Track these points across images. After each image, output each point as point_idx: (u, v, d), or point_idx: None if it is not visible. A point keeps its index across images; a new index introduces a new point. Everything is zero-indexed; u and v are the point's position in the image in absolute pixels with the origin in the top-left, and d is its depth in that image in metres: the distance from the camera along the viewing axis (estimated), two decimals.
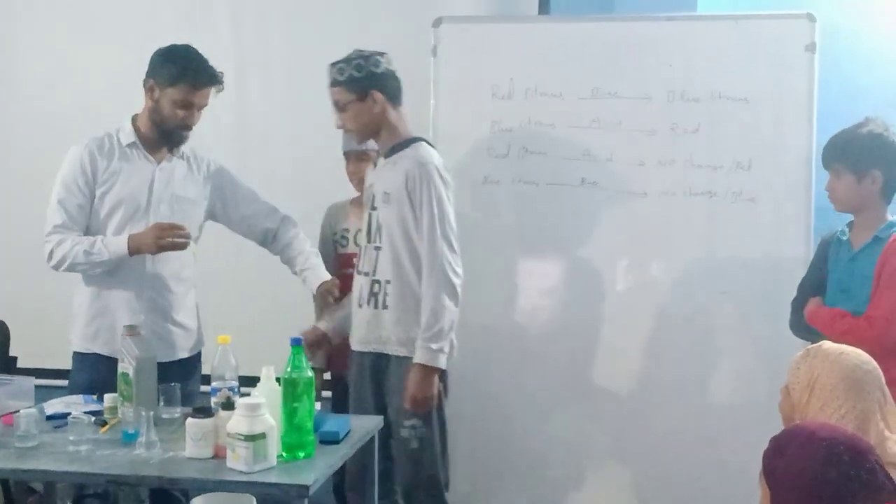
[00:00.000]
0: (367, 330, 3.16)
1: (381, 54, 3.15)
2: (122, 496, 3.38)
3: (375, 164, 3.37)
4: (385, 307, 3.11)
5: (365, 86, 3.10)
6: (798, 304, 3.15)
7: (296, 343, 2.53)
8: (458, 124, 3.71)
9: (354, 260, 3.27)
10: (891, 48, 3.81)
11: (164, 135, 3.23)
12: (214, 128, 3.63)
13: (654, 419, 3.64)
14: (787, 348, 3.00)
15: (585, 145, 3.64)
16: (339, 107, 3.13)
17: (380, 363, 3.16)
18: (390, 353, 3.13)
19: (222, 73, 3.21)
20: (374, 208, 3.16)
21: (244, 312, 3.84)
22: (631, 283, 3.70)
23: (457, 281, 3.07)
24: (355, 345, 3.22)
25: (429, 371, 3.03)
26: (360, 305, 3.17)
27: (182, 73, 3.14)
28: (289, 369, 2.50)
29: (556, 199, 3.61)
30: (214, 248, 3.44)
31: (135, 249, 3.11)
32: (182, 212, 3.25)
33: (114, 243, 3.13)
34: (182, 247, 3.13)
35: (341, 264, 3.50)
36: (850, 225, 3.09)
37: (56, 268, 3.18)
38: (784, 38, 3.54)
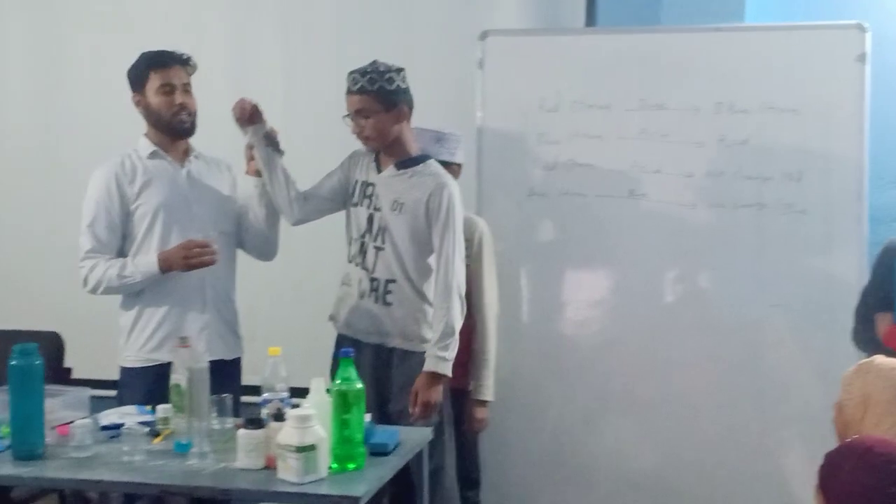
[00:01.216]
0: (369, 322, 3.28)
1: (403, 69, 3.28)
2: None
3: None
4: (387, 304, 3.25)
5: (394, 99, 3.21)
6: (862, 315, 3.10)
7: (345, 355, 2.55)
8: (504, 137, 3.72)
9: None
10: None
11: (168, 130, 3.29)
12: None
13: (704, 433, 3.61)
14: (839, 361, 2.95)
15: (633, 157, 3.63)
16: (363, 114, 3.23)
17: (381, 354, 3.28)
18: (394, 346, 3.26)
19: (187, 54, 3.31)
20: (377, 209, 3.28)
21: (295, 324, 3.86)
22: (680, 296, 3.67)
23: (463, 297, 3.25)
24: (353, 333, 3.30)
25: (438, 378, 3.17)
26: (362, 297, 3.28)
27: (145, 63, 3.27)
28: (338, 381, 2.52)
29: (604, 212, 3.61)
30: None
31: (166, 267, 3.16)
32: (219, 207, 3.32)
33: (144, 264, 3.19)
34: (211, 263, 3.18)
35: None
36: None
37: (93, 292, 3.25)
38: (834, 48, 3.51)
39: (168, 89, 3.25)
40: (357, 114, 3.24)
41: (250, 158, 3.30)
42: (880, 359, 2.23)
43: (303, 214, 3.36)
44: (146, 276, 3.18)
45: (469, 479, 3.46)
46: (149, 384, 3.19)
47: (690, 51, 3.65)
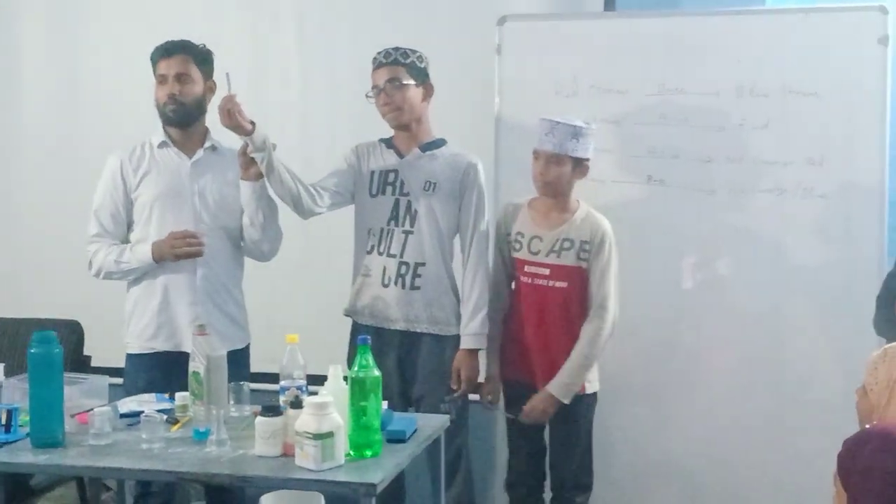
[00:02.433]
0: (395, 308, 3.32)
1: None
2: (181, 494, 3.44)
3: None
4: (415, 288, 3.31)
5: (424, 76, 3.34)
6: (884, 301, 3.07)
7: (363, 342, 2.55)
8: (522, 122, 3.69)
9: (527, 267, 3.30)
10: None
11: (164, 120, 3.33)
12: (281, 127, 3.67)
13: (723, 421, 3.59)
14: (861, 346, 2.94)
15: (652, 142, 3.61)
16: (394, 84, 3.28)
17: (407, 340, 3.34)
18: (422, 331, 3.33)
19: (192, 42, 3.32)
20: (403, 194, 3.32)
21: (312, 311, 3.86)
22: (699, 282, 3.65)
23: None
24: (377, 322, 3.34)
25: (476, 353, 3.33)
26: (386, 285, 3.32)
27: (152, 56, 3.33)
28: (356, 368, 2.52)
29: (623, 197, 3.58)
30: (282, 246, 3.46)
31: (158, 256, 3.24)
32: (221, 200, 3.33)
33: (139, 251, 3.27)
34: (197, 254, 3.23)
35: (513, 267, 3.38)
36: None
37: (96, 276, 3.36)
38: (855, 30, 3.47)
39: (161, 79, 3.31)
40: (387, 84, 3.29)
41: (246, 166, 3.21)
42: None
43: (315, 208, 3.35)
44: (141, 263, 3.26)
45: (580, 483, 3.34)
46: (149, 371, 3.28)
47: (710, 35, 3.61)
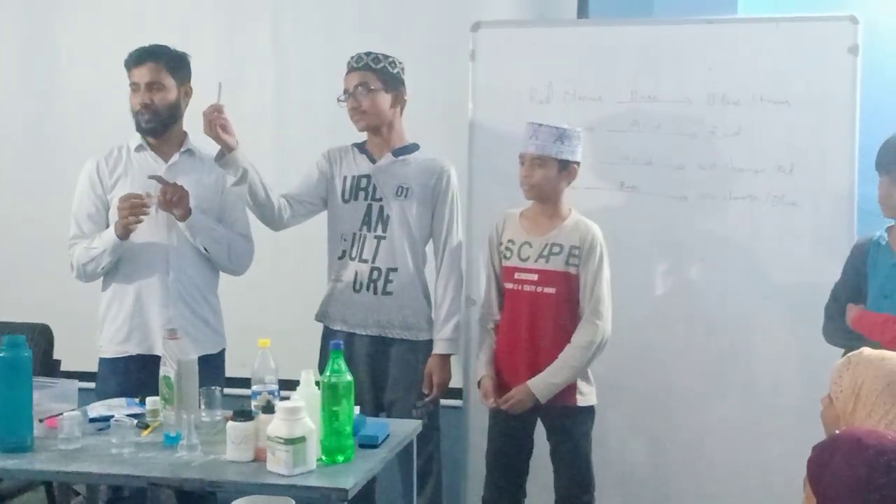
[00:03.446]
0: (366, 314, 3.34)
1: (402, 64, 3.39)
2: (152, 499, 3.41)
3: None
4: (387, 293, 3.32)
5: (395, 82, 3.36)
6: (833, 311, 3.12)
7: (336, 347, 2.54)
8: (496, 128, 3.71)
9: (515, 274, 3.25)
10: None
11: (138, 128, 3.32)
12: (255, 131, 3.67)
13: (694, 425, 3.62)
14: (830, 352, 2.96)
15: (625, 149, 3.63)
16: (364, 89, 3.30)
17: (379, 346, 3.36)
18: (393, 336, 3.35)
19: (164, 47, 3.31)
20: (376, 199, 3.34)
21: (284, 316, 3.85)
22: (670, 288, 3.67)
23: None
24: (349, 327, 3.36)
25: (448, 359, 3.36)
26: (358, 290, 3.34)
27: (125, 63, 3.32)
28: (328, 373, 2.51)
29: (595, 204, 3.60)
30: (255, 249, 3.45)
31: (120, 233, 3.19)
32: (196, 205, 3.30)
33: (105, 233, 3.24)
34: (142, 212, 3.16)
35: (503, 276, 3.32)
36: (889, 230, 3.06)
37: (79, 277, 3.33)
38: (826, 40, 3.50)
39: (134, 87, 3.31)
40: (356, 88, 3.31)
41: (173, 207, 3.21)
42: (868, 350, 2.23)
43: (289, 221, 3.38)
44: (107, 244, 3.22)
45: (579, 500, 3.24)
46: (121, 375, 3.27)
47: (682, 43, 3.64)
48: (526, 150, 3.23)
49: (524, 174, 3.24)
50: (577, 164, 3.24)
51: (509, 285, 3.27)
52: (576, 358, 3.16)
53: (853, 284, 3.09)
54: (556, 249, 3.21)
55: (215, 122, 3.04)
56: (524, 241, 3.26)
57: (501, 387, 3.26)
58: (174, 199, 3.19)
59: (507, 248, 3.29)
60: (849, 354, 2.25)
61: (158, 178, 3.21)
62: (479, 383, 3.30)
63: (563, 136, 3.18)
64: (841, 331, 3.06)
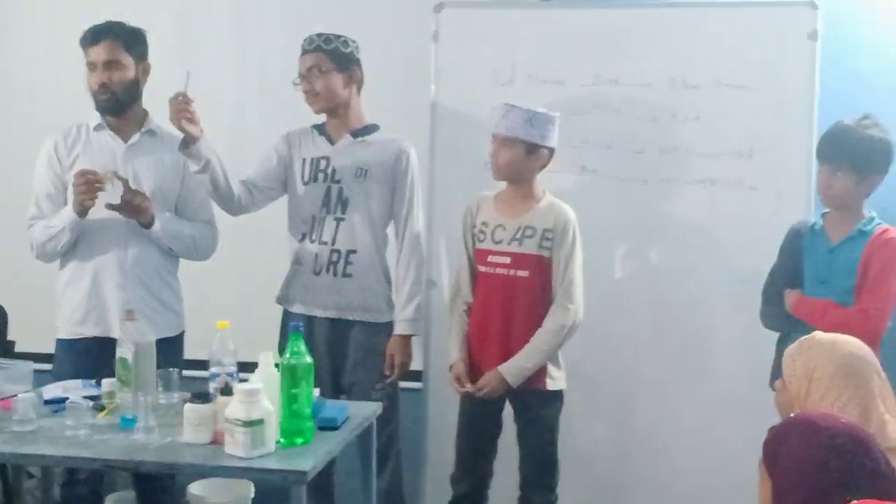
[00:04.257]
0: (326, 296, 3.33)
1: (356, 42, 3.38)
2: (109, 482, 3.39)
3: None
4: (347, 275, 3.32)
5: (347, 61, 3.34)
6: (770, 295, 3.17)
7: (295, 329, 2.53)
8: (458, 110, 3.70)
9: (489, 257, 3.23)
10: (892, 36, 3.79)
11: (97, 108, 3.27)
12: (214, 114, 3.62)
13: (653, 408, 3.65)
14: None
15: (586, 132, 3.63)
16: (317, 71, 3.30)
17: (338, 328, 3.35)
18: (353, 318, 3.34)
19: (120, 24, 3.25)
20: (335, 181, 3.32)
21: (244, 298, 3.82)
22: (630, 271, 3.70)
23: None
24: (309, 310, 3.35)
25: (409, 340, 3.37)
26: (318, 273, 3.33)
27: (81, 41, 3.25)
28: (287, 355, 2.50)
29: (556, 187, 3.59)
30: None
31: (78, 209, 3.14)
32: (156, 186, 3.28)
33: (64, 211, 3.20)
34: (97, 189, 3.11)
35: (476, 258, 3.31)
36: (824, 216, 3.12)
37: (39, 257, 3.29)
38: (786, 25, 3.53)
39: (91, 67, 3.25)
40: (309, 71, 3.30)
41: (137, 211, 3.18)
42: (819, 334, 2.26)
43: (249, 207, 3.37)
44: (66, 221, 3.18)
45: (543, 483, 3.25)
46: (78, 356, 3.23)
47: (644, 26, 3.65)
48: (496, 130, 3.22)
49: (492, 154, 3.24)
50: (548, 148, 3.22)
51: (483, 268, 3.26)
52: (547, 342, 3.16)
53: (790, 269, 3.13)
54: (529, 232, 3.20)
55: (181, 113, 3.01)
56: (498, 223, 3.25)
57: (473, 370, 3.25)
58: (135, 205, 3.15)
59: (480, 231, 3.28)
60: (801, 339, 2.28)
61: (124, 183, 3.17)
62: (450, 367, 3.29)
63: (532, 120, 3.16)
64: (779, 315, 3.12)
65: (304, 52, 3.34)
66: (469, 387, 3.21)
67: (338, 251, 3.32)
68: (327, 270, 3.33)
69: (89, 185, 3.11)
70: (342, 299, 3.33)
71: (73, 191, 3.13)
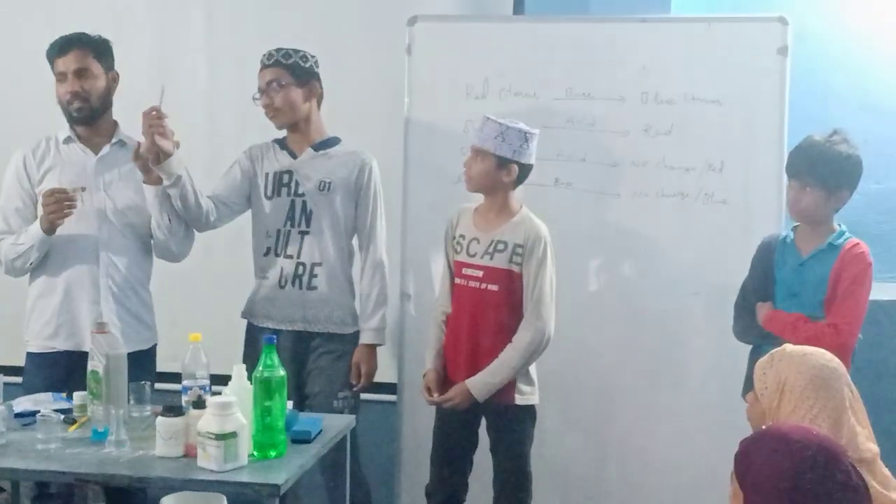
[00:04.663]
0: (291, 310, 3.34)
1: (315, 57, 3.39)
2: (80, 495, 3.36)
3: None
4: (312, 288, 3.33)
5: (307, 76, 3.35)
6: (742, 309, 3.20)
7: (269, 342, 2.52)
8: (432, 123, 3.71)
9: (464, 270, 3.22)
10: (861, 52, 3.85)
11: (69, 119, 3.26)
12: (188, 126, 3.61)
13: (627, 421, 3.65)
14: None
15: (559, 146, 3.64)
16: (276, 86, 3.31)
17: (303, 340, 3.36)
18: (318, 330, 3.36)
19: (87, 34, 3.24)
20: (299, 195, 3.33)
21: (216, 310, 3.80)
22: (602, 284, 3.71)
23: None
24: (274, 323, 3.35)
25: (375, 349, 3.38)
26: (283, 286, 3.34)
27: (48, 53, 3.25)
28: (261, 368, 2.49)
29: (529, 200, 3.59)
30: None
31: (46, 227, 3.12)
32: (127, 198, 3.27)
33: (32, 229, 3.17)
34: (67, 208, 3.08)
35: (454, 270, 3.29)
36: (795, 229, 3.15)
37: (8, 272, 3.27)
38: (757, 41, 3.55)
39: (61, 77, 3.24)
40: (269, 85, 3.32)
41: (145, 170, 3.14)
42: (790, 347, 2.28)
43: (215, 223, 3.37)
44: (34, 239, 3.15)
45: (515, 498, 3.22)
46: (48, 370, 3.21)
47: (617, 41, 3.67)
48: (473, 141, 3.23)
49: (464, 164, 3.25)
50: (518, 164, 3.17)
51: (458, 280, 3.26)
52: (514, 359, 3.14)
53: (761, 282, 3.16)
54: (500, 247, 3.19)
55: (154, 128, 3.00)
56: (473, 236, 3.24)
57: (446, 381, 3.25)
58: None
59: (457, 243, 3.28)
60: (772, 351, 2.30)
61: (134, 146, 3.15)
62: (424, 375, 3.29)
63: (504, 134, 3.13)
64: (751, 328, 3.14)
65: (264, 66, 3.34)
66: (436, 397, 3.21)
67: (303, 264, 3.33)
68: (293, 284, 3.33)
69: (59, 203, 3.08)
70: (308, 312, 3.34)
71: (43, 210, 3.11)
